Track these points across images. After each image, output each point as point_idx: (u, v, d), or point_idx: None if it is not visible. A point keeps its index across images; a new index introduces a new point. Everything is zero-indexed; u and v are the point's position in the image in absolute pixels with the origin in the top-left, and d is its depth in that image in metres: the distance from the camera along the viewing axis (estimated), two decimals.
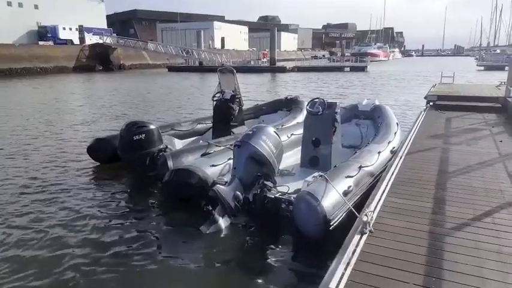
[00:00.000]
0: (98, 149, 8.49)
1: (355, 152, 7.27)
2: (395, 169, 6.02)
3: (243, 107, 10.07)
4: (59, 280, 4.55)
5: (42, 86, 31.30)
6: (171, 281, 4.50)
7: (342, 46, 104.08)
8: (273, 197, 5.71)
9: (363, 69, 50.92)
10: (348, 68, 51.82)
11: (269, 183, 5.81)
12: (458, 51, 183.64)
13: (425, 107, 12.50)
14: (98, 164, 8.76)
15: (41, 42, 51.91)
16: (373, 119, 9.46)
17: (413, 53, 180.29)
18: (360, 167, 6.05)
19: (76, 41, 57.02)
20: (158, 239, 5.47)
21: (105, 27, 67.77)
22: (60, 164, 9.08)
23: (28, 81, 35.03)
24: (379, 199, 4.81)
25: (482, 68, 51.88)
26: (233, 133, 9.11)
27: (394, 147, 7.52)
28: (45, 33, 55.05)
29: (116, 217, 6.19)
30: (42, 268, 4.78)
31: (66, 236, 5.57)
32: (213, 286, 4.49)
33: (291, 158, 7.86)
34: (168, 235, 5.60)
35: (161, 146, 7.87)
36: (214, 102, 9.63)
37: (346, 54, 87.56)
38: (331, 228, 4.81)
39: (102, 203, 6.77)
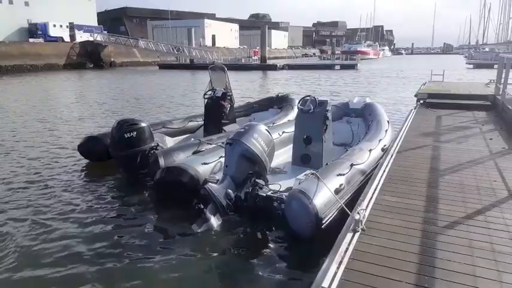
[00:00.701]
0: (89, 147, 8.41)
1: (347, 150, 7.27)
2: (386, 167, 6.02)
3: (234, 105, 10.05)
4: (45, 276, 4.52)
5: (32, 84, 31.02)
6: (162, 279, 4.47)
7: (332, 44, 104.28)
8: (264, 195, 5.70)
9: (353, 67, 51.10)
10: (339, 66, 51.86)
11: (261, 182, 5.81)
12: (447, 50, 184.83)
13: (415, 105, 12.55)
14: (89, 162, 8.69)
15: (31, 40, 51.39)
16: (364, 117, 9.47)
17: (403, 51, 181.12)
18: (352, 165, 6.04)
19: (66, 38, 56.48)
20: (149, 238, 5.42)
21: (96, 24, 67.32)
22: (50, 162, 9.00)
23: (18, 79, 34.68)
24: (371, 197, 4.81)
25: (471, 66, 52.18)
26: (224, 131, 9.08)
27: (385, 145, 7.53)
28: (35, 30, 54.59)
29: (107, 215, 6.14)
30: (27, 264, 4.74)
31: (55, 233, 5.53)
32: (205, 285, 4.46)
33: (283, 156, 7.86)
34: (159, 233, 5.55)
35: (152, 144, 7.81)
36: (206, 100, 9.61)
37: (337, 52, 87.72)
38: (323, 226, 4.81)
39: (92, 201, 6.72)
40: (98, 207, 6.48)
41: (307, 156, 7.40)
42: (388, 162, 6.25)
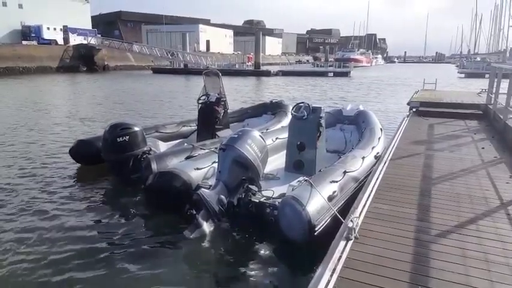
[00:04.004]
0: (81, 150, 8.34)
1: (340, 157, 7.27)
2: (379, 175, 6.02)
3: (228, 110, 10.03)
4: (32, 281, 4.47)
5: (24, 86, 30.88)
6: (152, 286, 4.42)
7: (325, 51, 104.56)
8: (257, 201, 5.67)
9: (346, 74, 51.29)
10: (332, 73, 52.15)
11: (254, 188, 5.78)
12: (439, 58, 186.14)
13: (408, 113, 12.59)
14: (80, 165, 8.62)
15: (24, 42, 51.05)
16: (357, 124, 9.49)
17: (395, 60, 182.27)
18: (345, 172, 6.04)
19: (60, 41, 56.15)
20: (140, 243, 5.37)
21: (90, 28, 67.06)
22: (41, 165, 8.92)
23: (10, 81, 34.49)
24: (364, 205, 4.80)
25: (463, 75, 52.65)
26: (218, 136, 9.06)
27: (378, 153, 7.54)
28: (28, 32, 54.19)
29: (97, 220, 6.09)
30: (14, 271, 4.68)
31: (43, 237, 5.47)
32: None
33: (276, 162, 7.83)
34: (150, 239, 5.51)
35: (145, 148, 7.78)
36: (199, 105, 9.58)
37: (330, 59, 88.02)
38: (316, 233, 4.79)
39: (83, 205, 6.66)
40: (88, 211, 6.42)
41: (301, 163, 7.39)
42: (381, 170, 6.25)
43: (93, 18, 74.32)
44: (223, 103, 9.53)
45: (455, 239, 3.93)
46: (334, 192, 5.47)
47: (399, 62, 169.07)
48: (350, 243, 3.79)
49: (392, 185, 5.59)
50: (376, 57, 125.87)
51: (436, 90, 18.10)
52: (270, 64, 74.62)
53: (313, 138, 7.27)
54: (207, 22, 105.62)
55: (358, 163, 6.64)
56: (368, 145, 7.70)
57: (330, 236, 4.02)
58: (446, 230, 4.11)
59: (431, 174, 6.12)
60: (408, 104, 13.43)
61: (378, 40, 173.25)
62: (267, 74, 50.09)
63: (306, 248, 4.87)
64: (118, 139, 7.43)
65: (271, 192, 5.94)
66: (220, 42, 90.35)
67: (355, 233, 3.91)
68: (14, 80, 36.05)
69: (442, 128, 9.99)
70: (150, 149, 7.88)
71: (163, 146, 8.84)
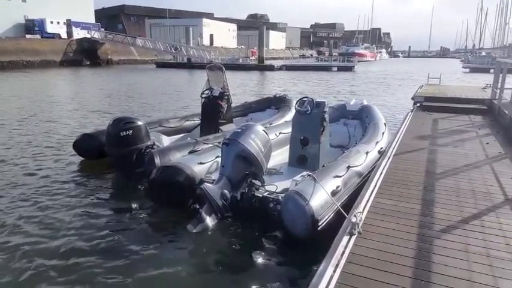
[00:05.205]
0: (84, 144, 8.36)
1: (343, 152, 7.26)
2: (383, 170, 6.01)
3: (232, 105, 10.01)
4: (34, 278, 4.47)
5: (30, 80, 30.90)
6: (156, 280, 4.44)
7: (329, 46, 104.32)
8: (260, 196, 5.68)
9: (350, 69, 51.19)
10: (336, 67, 51.98)
11: (257, 182, 5.79)
12: (444, 53, 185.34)
13: (412, 108, 12.55)
14: (84, 159, 8.63)
15: (28, 36, 51.05)
16: (361, 119, 9.46)
17: (400, 54, 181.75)
18: (348, 167, 6.03)
19: (64, 35, 56.18)
20: (143, 237, 5.38)
21: (93, 21, 67.03)
22: (44, 159, 8.94)
23: (14, 75, 34.53)
24: (368, 200, 4.79)
25: (467, 70, 52.38)
26: (221, 131, 9.04)
27: (381, 148, 7.53)
28: (32, 26, 54.11)
29: (101, 214, 6.10)
30: (17, 266, 4.68)
31: (46, 231, 5.49)
32: (199, 286, 4.44)
33: (279, 157, 7.82)
34: (153, 233, 5.52)
35: (148, 143, 7.78)
36: (203, 99, 9.56)
37: (334, 54, 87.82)
38: (319, 228, 4.79)
39: (86, 200, 6.67)
40: (91, 206, 6.44)
41: (304, 158, 7.38)
42: (385, 165, 6.24)
43: (97, 12, 74.26)
44: (226, 97, 9.51)
45: (459, 234, 3.93)
46: (338, 187, 5.46)
47: (403, 57, 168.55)
48: (353, 238, 3.79)
49: (396, 180, 5.58)
50: (381, 52, 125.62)
51: (441, 85, 18.05)
52: (274, 58, 74.51)
53: (316, 133, 7.26)
54: (210, 16, 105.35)
55: (361, 158, 6.63)
56: (372, 140, 7.68)
57: (333, 231, 4.02)
58: (449, 226, 4.11)
59: (435, 169, 6.11)
60: (412, 98, 13.38)
61: (382, 34, 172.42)
62: (271, 68, 50.03)
63: (309, 242, 4.87)
64: (121, 133, 7.44)
65: (274, 186, 5.94)
66: (223, 37, 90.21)
67: (358, 228, 3.91)
68: (18, 73, 36.10)
69: (446, 123, 9.95)
70: (154, 143, 7.88)
71: (166, 140, 8.83)
